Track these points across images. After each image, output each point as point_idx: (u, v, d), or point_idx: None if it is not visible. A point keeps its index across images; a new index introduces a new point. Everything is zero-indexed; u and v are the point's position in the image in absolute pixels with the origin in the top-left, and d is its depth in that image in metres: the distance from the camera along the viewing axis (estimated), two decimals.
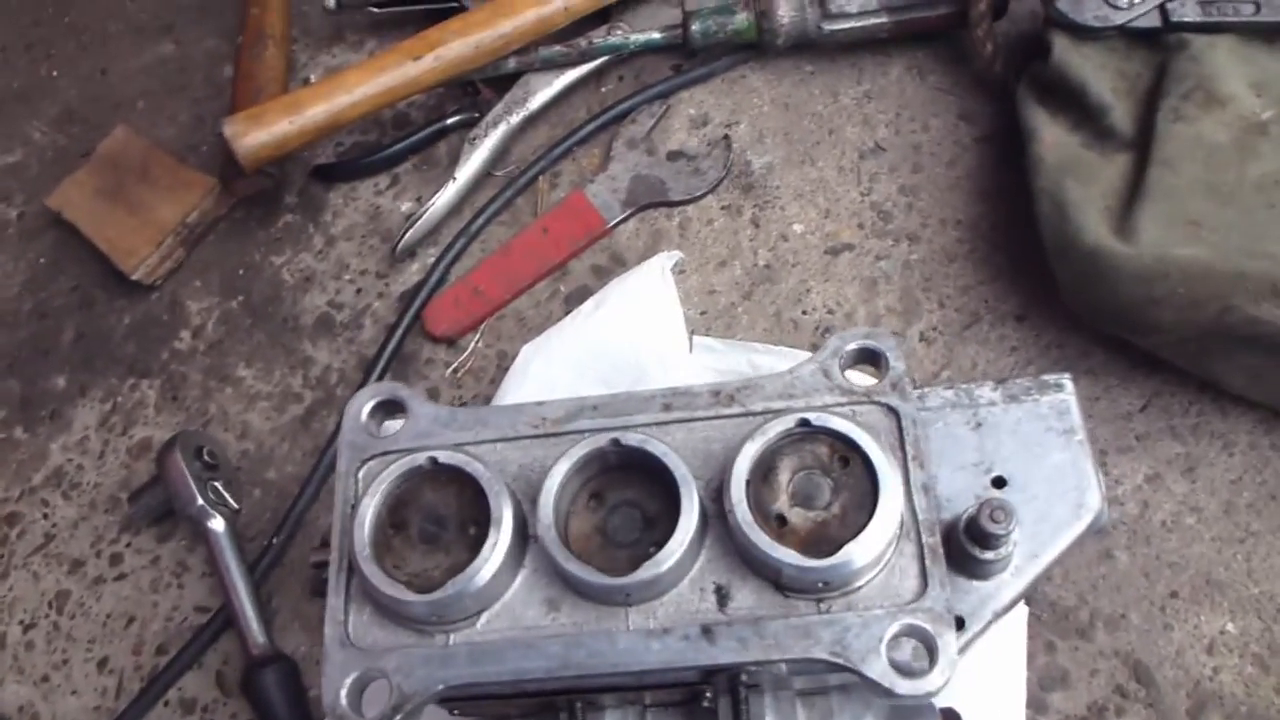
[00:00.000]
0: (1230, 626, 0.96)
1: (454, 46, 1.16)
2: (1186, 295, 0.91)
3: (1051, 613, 0.98)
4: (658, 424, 0.74)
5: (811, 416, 0.70)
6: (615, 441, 0.71)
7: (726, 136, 1.21)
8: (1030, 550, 0.76)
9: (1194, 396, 1.03)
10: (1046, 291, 1.06)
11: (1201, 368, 0.99)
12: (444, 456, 0.72)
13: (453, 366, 1.16)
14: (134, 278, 1.25)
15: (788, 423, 0.70)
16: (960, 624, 0.74)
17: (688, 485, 0.68)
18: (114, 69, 1.45)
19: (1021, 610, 0.96)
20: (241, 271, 1.28)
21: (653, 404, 0.75)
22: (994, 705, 0.93)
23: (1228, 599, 0.97)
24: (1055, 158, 1.01)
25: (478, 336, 1.17)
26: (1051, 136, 1.03)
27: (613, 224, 1.18)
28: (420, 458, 0.73)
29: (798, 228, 1.16)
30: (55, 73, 1.47)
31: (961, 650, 0.73)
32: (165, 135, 1.38)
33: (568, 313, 1.14)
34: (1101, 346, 1.06)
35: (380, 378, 1.15)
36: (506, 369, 1.12)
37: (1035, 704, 0.95)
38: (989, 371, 1.07)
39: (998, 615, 0.76)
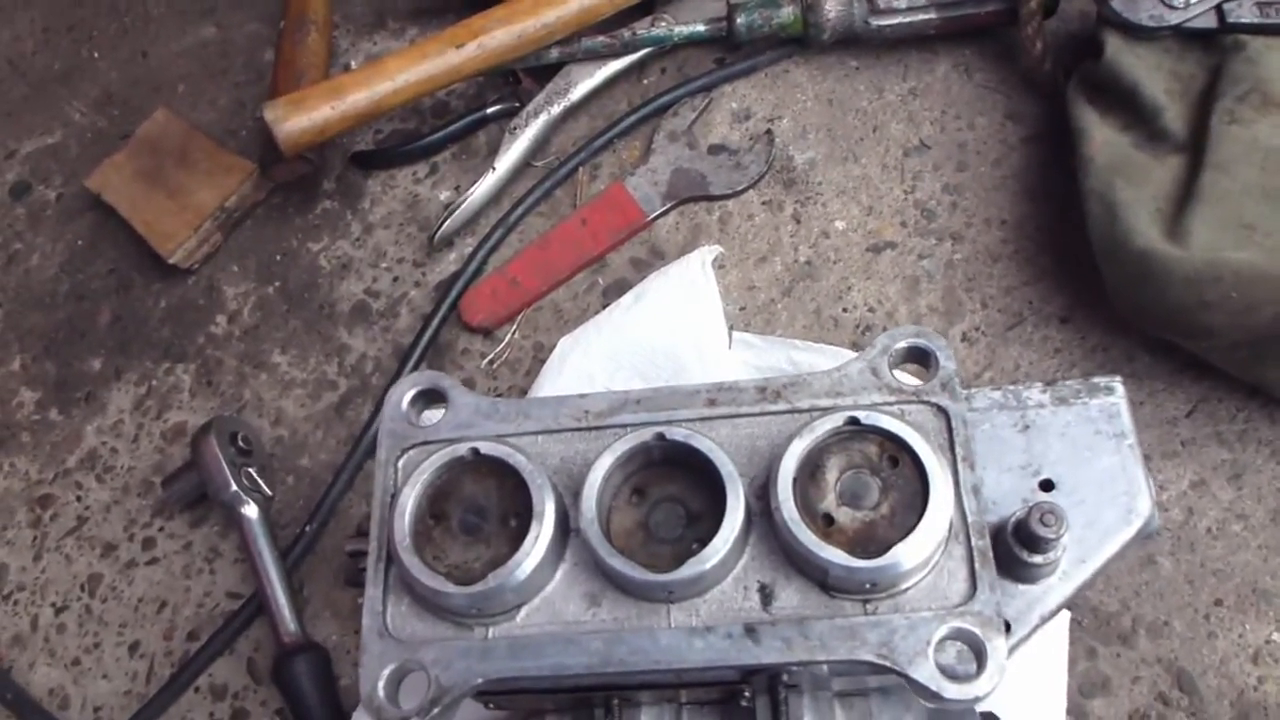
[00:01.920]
0: (1276, 636, 0.94)
1: (497, 35, 1.15)
2: (1239, 300, 0.89)
3: (1093, 618, 0.97)
4: (702, 419, 0.73)
5: (861, 415, 0.68)
6: (660, 436, 0.70)
7: (769, 131, 1.19)
8: (1078, 555, 0.75)
9: (1241, 403, 1.02)
10: (1092, 294, 1.04)
11: (1252, 374, 0.98)
12: (486, 447, 0.71)
13: (489, 357, 1.15)
14: (171, 261, 1.25)
15: (836, 421, 0.69)
16: (1007, 628, 0.73)
17: (733, 482, 0.68)
18: (155, 52, 1.45)
19: (1063, 615, 0.94)
20: (279, 257, 1.27)
21: (697, 399, 0.74)
22: (1034, 711, 0.92)
23: (1274, 608, 0.95)
24: (1105, 158, 1.00)
25: (514, 328, 1.16)
26: (1102, 137, 1.01)
27: (652, 217, 1.17)
28: (462, 448, 0.72)
29: (839, 224, 1.15)
30: (96, 54, 1.47)
31: (1007, 654, 0.72)
32: (205, 119, 1.38)
33: (605, 305, 1.13)
34: (1147, 350, 1.04)
35: (416, 367, 1.15)
36: (543, 361, 1.12)
37: (1076, 711, 0.94)
38: (1032, 373, 1.05)
39: (1044, 620, 0.75)
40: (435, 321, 1.16)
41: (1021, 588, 0.74)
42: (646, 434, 0.70)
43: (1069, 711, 0.93)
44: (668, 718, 0.77)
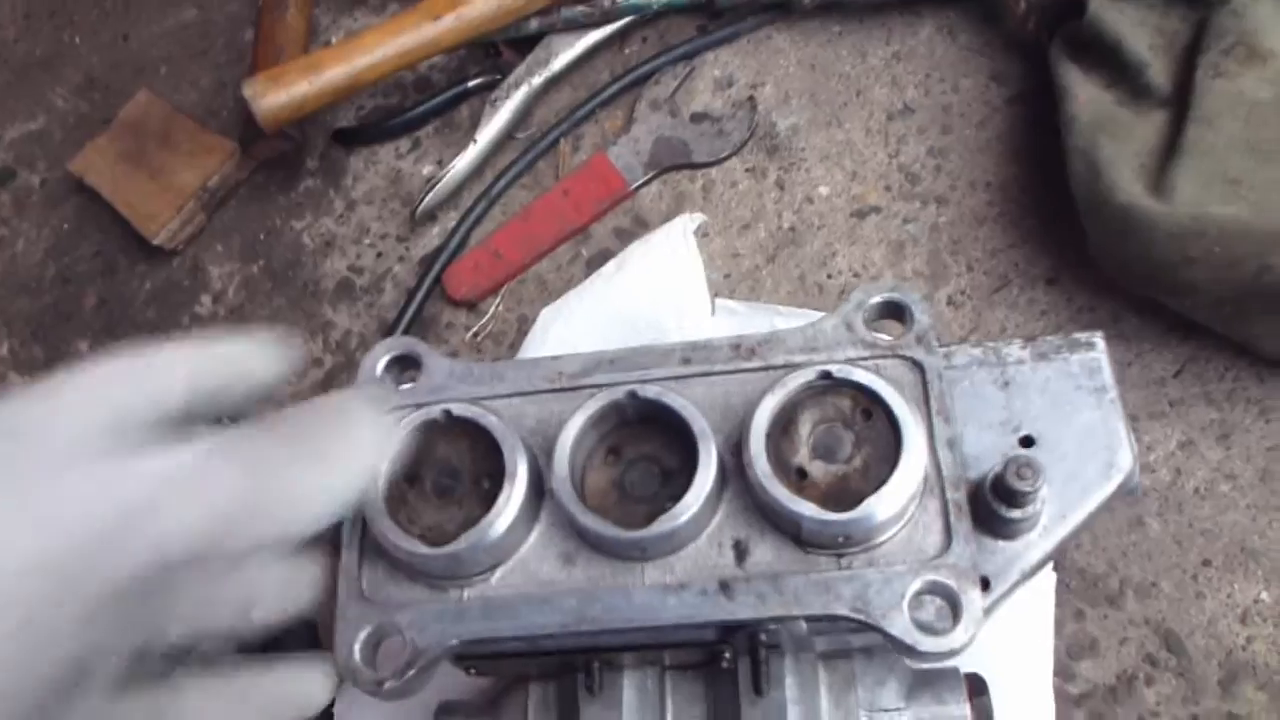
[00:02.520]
0: (1265, 595, 0.93)
1: (475, 6, 1.14)
2: (1223, 254, 0.89)
3: (1080, 580, 0.96)
4: (676, 378, 0.73)
5: (833, 369, 0.68)
6: (632, 394, 0.69)
7: (751, 98, 1.18)
8: (1059, 510, 0.74)
9: (1229, 362, 1.01)
10: (1078, 255, 1.03)
11: (1237, 331, 0.97)
12: (458, 409, 0.71)
13: (473, 330, 1.15)
14: (155, 243, 1.25)
15: (809, 375, 0.68)
16: (986, 585, 0.72)
17: (706, 438, 0.67)
18: (136, 34, 1.44)
19: (1049, 576, 0.94)
20: (262, 236, 1.27)
21: (671, 357, 0.74)
22: (1020, 672, 0.91)
23: (1262, 567, 0.94)
24: (1089, 115, 0.99)
25: (498, 300, 1.16)
26: (1085, 94, 1.00)
27: (635, 186, 1.16)
28: (434, 410, 0.71)
29: (823, 190, 1.14)
30: (77, 39, 1.47)
31: (987, 611, 0.72)
32: (187, 100, 1.37)
33: (589, 276, 1.13)
34: (1134, 311, 1.03)
35: None
36: (527, 333, 1.11)
37: (1063, 672, 0.93)
38: (1018, 336, 1.04)
39: (1025, 576, 0.74)
40: (419, 295, 1.15)
41: (1001, 544, 0.73)
42: (619, 393, 0.70)
43: (1056, 673, 0.92)
44: (650, 680, 0.76)
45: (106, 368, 0.54)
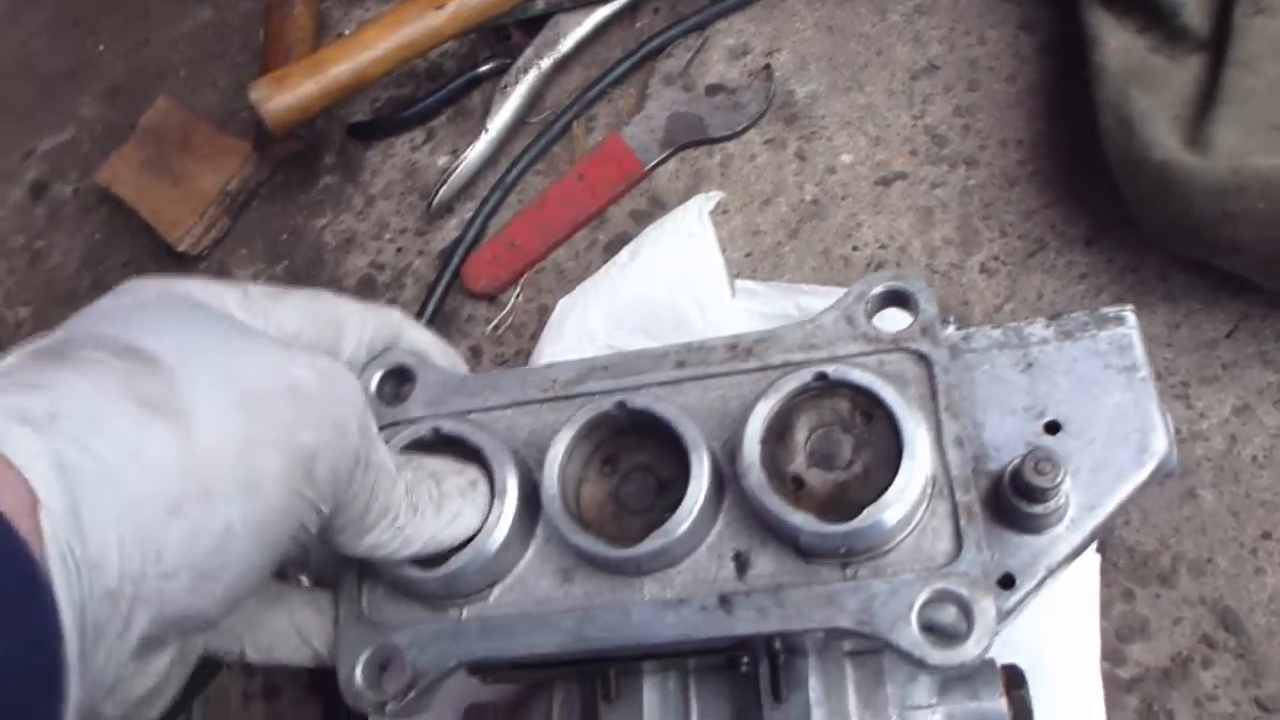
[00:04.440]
0: None
1: None
2: (1267, 210, 0.82)
3: (1129, 559, 0.91)
4: (671, 383, 0.70)
5: (829, 369, 0.64)
6: (621, 404, 0.67)
7: (767, 66, 1.14)
8: (1088, 500, 0.70)
9: None
10: (1118, 212, 0.97)
11: None
12: (447, 426, 0.69)
13: (493, 323, 1.13)
14: (180, 249, 1.25)
15: (804, 377, 0.64)
16: (1010, 582, 0.68)
17: (698, 449, 0.64)
18: (156, 39, 1.45)
19: (1092, 557, 0.89)
20: (285, 236, 1.26)
21: (666, 361, 0.71)
22: (1065, 659, 0.87)
23: None
24: (1120, 65, 0.92)
25: (518, 291, 1.14)
26: (1116, 41, 0.94)
27: (651, 166, 1.13)
28: (423, 428, 0.70)
29: (846, 158, 1.09)
30: (101, 47, 1.47)
31: (1013, 610, 0.68)
32: (208, 102, 1.37)
33: (607, 262, 1.10)
34: (1181, 269, 0.97)
35: None
36: (547, 323, 1.09)
37: (1112, 656, 0.89)
38: (1056, 301, 0.99)
39: (1052, 572, 0.70)
40: (438, 291, 1.14)
41: (1026, 538, 0.69)
42: (607, 403, 0.67)
43: (1105, 657, 0.88)
44: (672, 683, 0.74)
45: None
